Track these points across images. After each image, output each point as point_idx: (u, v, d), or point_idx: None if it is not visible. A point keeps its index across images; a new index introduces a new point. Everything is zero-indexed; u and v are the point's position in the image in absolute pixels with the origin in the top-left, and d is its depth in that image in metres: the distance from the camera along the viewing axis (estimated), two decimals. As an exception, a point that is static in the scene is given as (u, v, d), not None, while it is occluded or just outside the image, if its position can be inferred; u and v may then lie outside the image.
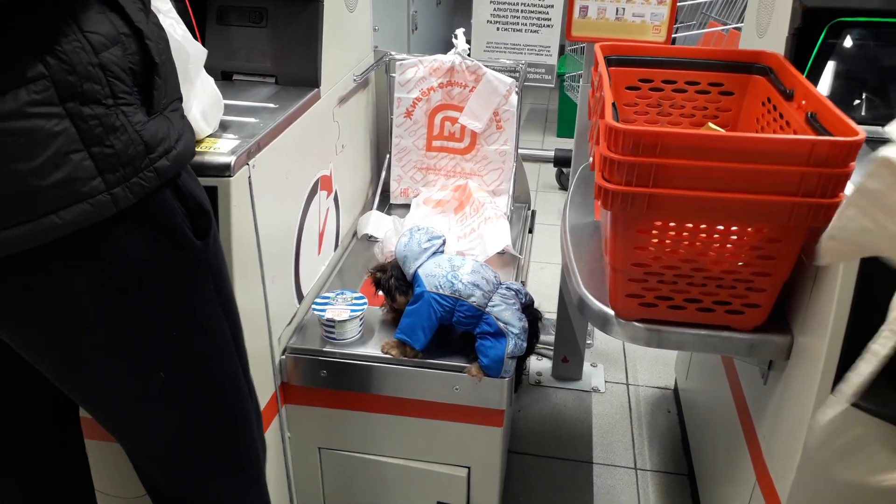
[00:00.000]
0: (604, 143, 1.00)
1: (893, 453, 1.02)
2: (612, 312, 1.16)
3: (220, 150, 1.10)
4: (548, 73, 1.87)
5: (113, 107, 0.73)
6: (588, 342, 2.12)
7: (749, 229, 1.02)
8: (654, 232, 1.04)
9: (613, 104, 1.04)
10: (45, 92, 0.68)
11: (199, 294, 0.90)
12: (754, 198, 0.96)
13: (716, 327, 1.14)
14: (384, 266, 1.37)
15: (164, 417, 0.91)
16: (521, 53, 1.83)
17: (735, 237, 1.03)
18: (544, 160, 2.01)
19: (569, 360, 2.11)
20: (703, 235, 1.03)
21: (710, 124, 1.22)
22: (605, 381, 2.14)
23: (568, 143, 2.05)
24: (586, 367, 2.16)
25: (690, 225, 1.03)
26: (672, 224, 1.03)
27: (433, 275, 1.27)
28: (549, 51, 1.85)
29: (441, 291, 1.23)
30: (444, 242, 1.36)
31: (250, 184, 1.14)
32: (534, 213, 1.87)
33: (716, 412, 1.63)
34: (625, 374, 2.19)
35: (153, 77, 0.78)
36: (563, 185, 3.44)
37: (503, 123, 1.75)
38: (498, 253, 1.59)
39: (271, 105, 1.30)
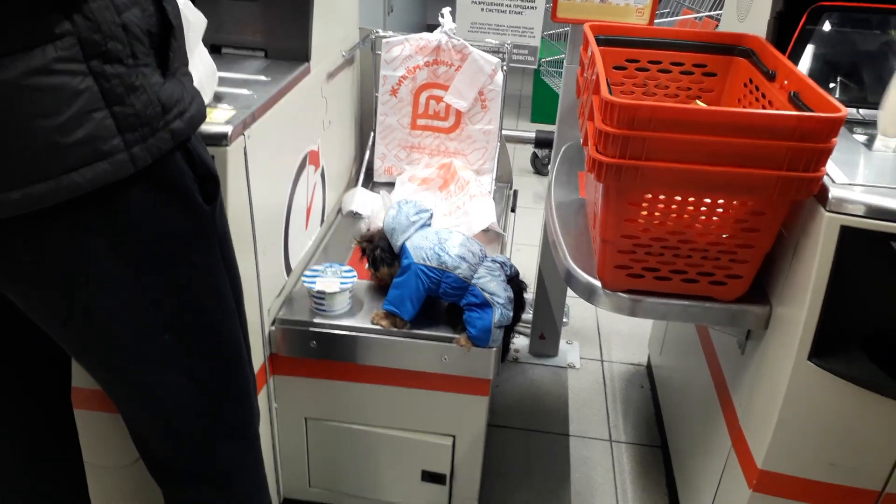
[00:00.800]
0: (598, 117, 1.03)
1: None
2: (598, 284, 1.20)
3: (216, 119, 1.10)
4: (531, 54, 1.90)
5: (133, 67, 0.74)
6: (564, 320, 2.16)
7: (734, 202, 1.06)
8: (643, 204, 1.08)
9: (607, 80, 1.07)
10: (71, 49, 0.69)
11: (207, 258, 0.91)
12: (742, 171, 1.01)
13: (699, 298, 1.18)
14: (371, 236, 1.39)
15: (170, 380, 0.92)
16: (505, 34, 1.86)
17: (721, 210, 1.07)
18: (526, 141, 2.05)
19: (545, 337, 2.16)
20: (691, 208, 1.07)
21: (699, 102, 1.26)
22: (581, 358, 2.19)
23: (542, 128, 2.09)
24: (562, 344, 2.21)
25: (679, 197, 1.06)
26: (662, 196, 1.07)
27: (420, 247, 1.30)
28: (532, 32, 1.87)
29: (428, 263, 1.26)
30: (431, 216, 1.39)
31: (245, 154, 1.14)
32: (516, 192, 1.90)
33: (691, 385, 1.69)
34: (599, 351, 2.24)
35: (169, 39, 0.78)
36: (538, 170, 3.48)
37: (488, 103, 1.77)
38: (483, 230, 1.61)
39: (263, 78, 1.30)
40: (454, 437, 1.43)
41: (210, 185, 0.88)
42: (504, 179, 1.91)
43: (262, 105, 1.19)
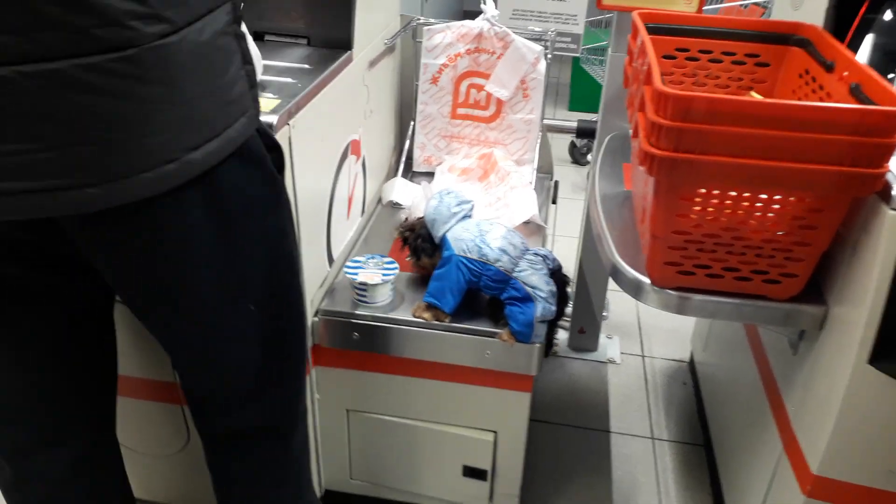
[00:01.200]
0: (651, 109, 0.99)
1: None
2: (647, 280, 1.17)
3: (262, 108, 1.09)
4: (573, 42, 1.86)
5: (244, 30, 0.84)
6: (604, 314, 2.13)
7: (792, 199, 1.02)
8: (696, 199, 1.04)
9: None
10: (230, 13, 0.79)
11: (286, 225, 0.98)
12: (801, 167, 0.96)
13: (751, 296, 1.14)
14: (412, 226, 1.38)
15: (242, 344, 0.97)
16: (548, 21, 1.82)
17: (778, 206, 1.03)
18: (568, 131, 2.00)
19: (585, 331, 2.12)
20: (746, 204, 1.04)
21: (753, 93, 1.22)
22: (621, 353, 2.16)
23: (583, 118, 2.05)
24: (602, 338, 2.18)
25: (734, 193, 1.03)
26: (716, 192, 1.03)
27: (461, 238, 1.28)
28: (575, 19, 1.83)
29: (469, 255, 1.25)
30: (472, 207, 1.37)
31: (290, 144, 1.13)
32: (556, 183, 1.87)
33: (737, 383, 1.65)
34: (640, 347, 2.20)
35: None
36: (576, 159, 3.43)
37: (530, 92, 1.74)
38: (523, 222, 1.59)
39: (306, 66, 1.29)
40: (496, 432, 1.41)
41: (276, 156, 0.94)
42: (545, 170, 1.88)
43: (306, 94, 1.18)
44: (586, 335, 2.13)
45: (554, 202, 1.82)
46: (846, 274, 1.08)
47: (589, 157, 3.32)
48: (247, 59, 0.84)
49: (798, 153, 0.96)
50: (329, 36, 1.39)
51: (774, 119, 0.94)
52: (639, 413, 1.94)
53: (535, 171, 1.79)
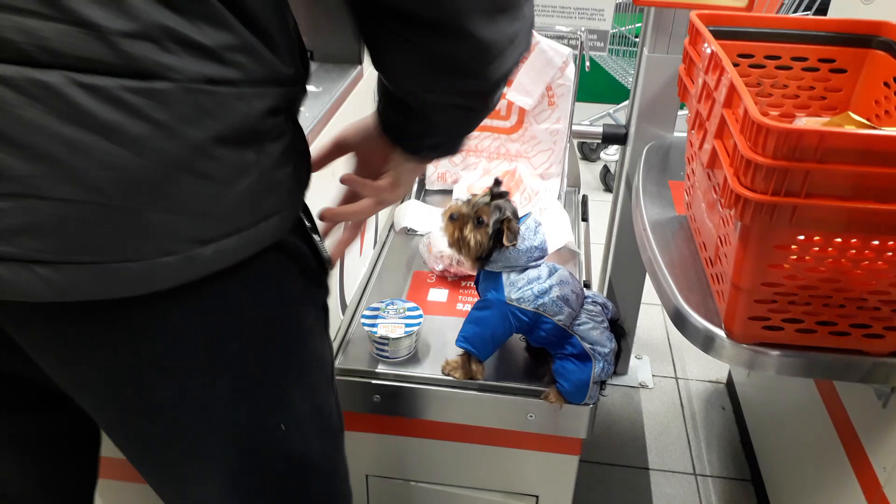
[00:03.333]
0: (744, 143, 0.81)
1: None
2: (722, 333, 1.00)
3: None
4: (600, 39, 1.67)
5: None
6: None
7: (909, 244, 0.85)
8: (793, 247, 0.87)
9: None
10: (295, 95, 0.66)
11: (316, 322, 0.76)
12: (930, 210, 0.79)
13: (842, 351, 0.98)
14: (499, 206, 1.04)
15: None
16: (572, 17, 1.63)
17: (891, 253, 0.86)
18: (591, 137, 1.81)
19: (614, 354, 1.96)
20: (854, 251, 0.86)
21: (851, 114, 1.04)
22: (653, 376, 2.00)
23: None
24: (632, 359, 2.01)
25: (840, 240, 0.85)
26: (817, 238, 0.86)
27: (515, 281, 1.06)
28: (602, 14, 1.64)
29: (522, 306, 1.04)
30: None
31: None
32: (585, 198, 1.69)
33: (795, 418, 1.49)
34: (672, 367, 2.04)
35: None
36: (586, 155, 3.24)
37: (556, 99, 1.56)
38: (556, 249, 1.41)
39: (313, 88, 1.10)
40: (537, 497, 1.24)
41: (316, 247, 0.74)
42: (571, 183, 1.70)
43: (316, 125, 1.00)
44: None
45: (584, 219, 1.64)
46: (963, 326, 0.91)
47: (601, 153, 3.14)
48: (298, 147, 0.67)
49: (926, 194, 0.79)
50: (336, 49, 1.20)
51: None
52: (678, 445, 1.78)
53: (562, 187, 1.61)
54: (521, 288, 1.04)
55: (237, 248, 0.59)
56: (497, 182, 1.07)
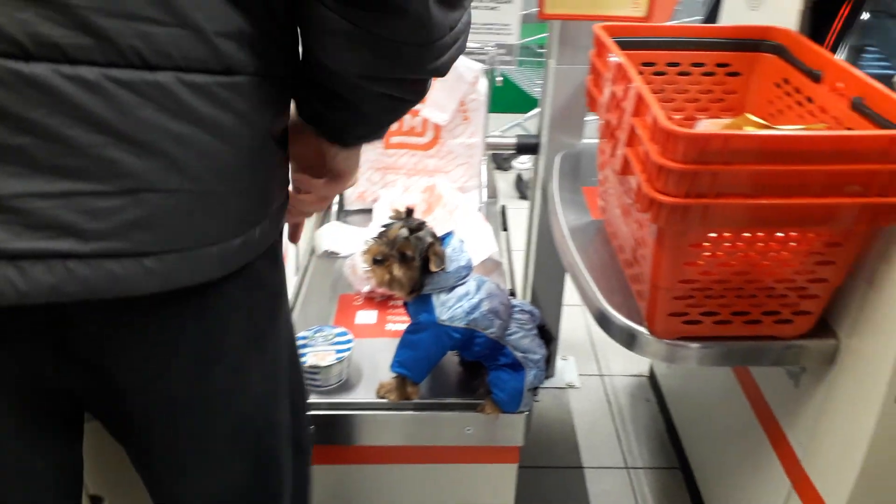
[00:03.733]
0: (655, 149, 0.85)
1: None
2: (644, 331, 1.04)
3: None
4: (508, 53, 1.71)
5: None
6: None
7: (810, 235, 0.91)
8: (706, 245, 0.92)
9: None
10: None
11: (288, 312, 0.85)
12: (826, 201, 0.85)
13: (760, 338, 1.03)
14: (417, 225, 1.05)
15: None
16: (479, 33, 1.66)
17: (794, 244, 0.92)
18: (506, 148, 1.84)
19: (541, 357, 1.99)
20: (761, 244, 0.92)
21: (749, 115, 1.10)
22: (579, 375, 2.04)
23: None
24: (558, 361, 2.05)
25: (748, 234, 0.91)
26: (727, 234, 0.91)
27: (446, 300, 1.06)
28: (509, 29, 1.68)
29: (455, 324, 1.05)
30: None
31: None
32: (504, 208, 1.72)
33: (715, 404, 1.56)
34: (596, 365, 2.10)
35: None
36: (499, 165, 3.29)
37: (470, 114, 1.58)
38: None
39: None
40: (480, 508, 1.25)
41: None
42: (490, 194, 1.72)
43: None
44: (543, 361, 2.00)
45: (505, 229, 1.67)
46: (862, 306, 0.98)
47: (513, 162, 3.21)
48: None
49: (823, 187, 0.85)
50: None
51: (799, 153, 0.82)
52: (608, 441, 1.83)
53: (482, 199, 1.63)
54: (451, 307, 1.04)
55: (268, 231, 0.67)
56: (409, 211, 1.07)
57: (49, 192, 0.51)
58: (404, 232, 1.03)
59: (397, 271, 1.03)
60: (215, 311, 0.66)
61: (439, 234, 1.08)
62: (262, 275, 0.71)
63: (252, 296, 0.70)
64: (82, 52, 0.50)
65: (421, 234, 1.03)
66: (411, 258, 1.02)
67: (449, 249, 1.04)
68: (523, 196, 3.07)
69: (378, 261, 1.03)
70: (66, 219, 0.52)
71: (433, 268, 1.02)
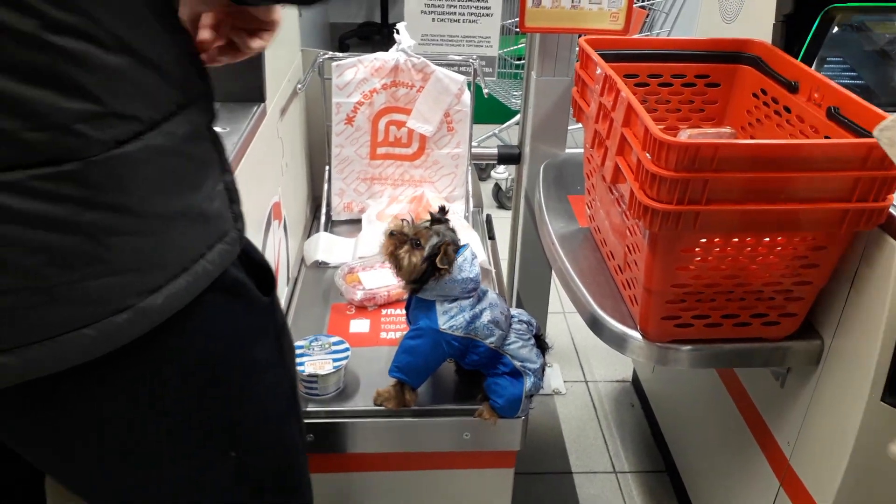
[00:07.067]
0: (647, 158, 0.88)
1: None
2: (636, 334, 1.07)
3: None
4: (489, 65, 1.74)
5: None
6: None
7: (796, 238, 0.94)
8: (697, 250, 0.95)
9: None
10: (206, 111, 0.62)
11: (268, 356, 0.76)
12: (811, 206, 0.89)
13: (747, 340, 1.07)
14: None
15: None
16: (461, 45, 1.69)
17: (780, 248, 0.95)
18: (487, 158, 1.87)
19: (527, 365, 2.02)
20: (749, 249, 0.95)
21: (728, 127, 1.14)
22: (564, 381, 2.07)
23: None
24: (544, 368, 2.08)
25: (737, 239, 0.94)
26: (717, 240, 0.94)
27: (448, 308, 1.08)
28: (489, 41, 1.71)
29: (455, 333, 1.06)
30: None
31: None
32: (489, 217, 1.75)
33: (700, 407, 1.59)
34: (581, 372, 2.12)
35: None
36: (502, 204, 3.26)
37: (455, 125, 1.60)
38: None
39: (220, 129, 1.08)
40: (476, 513, 1.27)
41: (264, 274, 0.73)
42: (475, 203, 1.75)
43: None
44: (528, 368, 2.02)
45: (491, 238, 1.69)
46: (846, 307, 1.02)
47: (491, 172, 3.23)
48: (226, 168, 0.65)
49: (808, 193, 0.88)
50: (235, 87, 1.18)
51: (785, 160, 0.86)
52: (596, 446, 1.86)
53: (467, 208, 1.65)
54: (453, 316, 1.06)
55: (188, 286, 0.59)
56: (442, 209, 1.09)
57: None
58: (426, 222, 1.07)
59: (403, 252, 1.05)
60: (94, 395, 0.60)
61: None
62: (175, 345, 0.63)
63: (159, 373, 0.63)
64: None
65: (441, 229, 1.06)
66: (422, 247, 1.04)
67: (461, 259, 1.06)
68: (501, 205, 3.10)
69: (392, 234, 1.06)
70: None
71: (438, 263, 1.03)
